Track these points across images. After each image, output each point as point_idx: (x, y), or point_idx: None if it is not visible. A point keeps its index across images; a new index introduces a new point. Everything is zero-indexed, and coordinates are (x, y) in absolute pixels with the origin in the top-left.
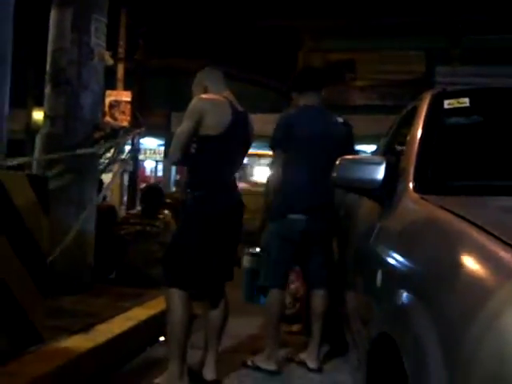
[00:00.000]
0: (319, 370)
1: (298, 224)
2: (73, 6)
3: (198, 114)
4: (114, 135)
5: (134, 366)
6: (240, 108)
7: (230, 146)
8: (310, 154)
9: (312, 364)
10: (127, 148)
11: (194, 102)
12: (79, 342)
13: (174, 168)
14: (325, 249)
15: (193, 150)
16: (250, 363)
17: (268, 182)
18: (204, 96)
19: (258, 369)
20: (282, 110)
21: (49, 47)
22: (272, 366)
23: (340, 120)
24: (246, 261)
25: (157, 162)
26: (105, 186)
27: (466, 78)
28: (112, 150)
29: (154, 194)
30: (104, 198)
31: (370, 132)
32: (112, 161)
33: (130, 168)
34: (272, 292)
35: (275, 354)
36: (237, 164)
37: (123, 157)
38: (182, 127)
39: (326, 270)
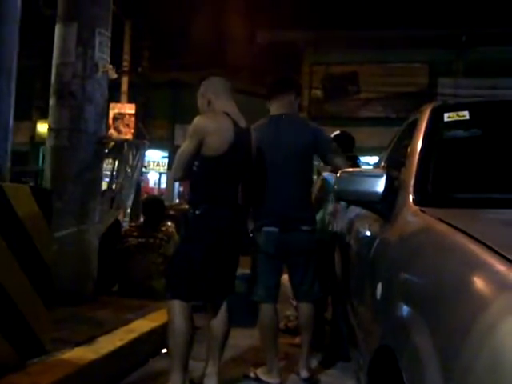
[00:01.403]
0: (311, 380)
1: (271, 236)
2: (77, 20)
3: (199, 135)
4: (118, 149)
5: (136, 377)
6: (243, 124)
7: (232, 165)
8: (278, 166)
9: (303, 374)
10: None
11: (196, 121)
12: (82, 354)
13: None
14: (307, 262)
15: (194, 168)
16: (252, 375)
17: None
18: (206, 115)
19: (260, 381)
20: None
21: (54, 60)
22: (274, 379)
23: (310, 126)
24: None
25: (160, 174)
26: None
27: (469, 90)
28: (116, 163)
29: (155, 205)
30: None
31: (374, 144)
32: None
33: (141, 182)
34: (262, 307)
35: (276, 367)
36: (238, 180)
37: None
38: (184, 147)
39: (310, 283)
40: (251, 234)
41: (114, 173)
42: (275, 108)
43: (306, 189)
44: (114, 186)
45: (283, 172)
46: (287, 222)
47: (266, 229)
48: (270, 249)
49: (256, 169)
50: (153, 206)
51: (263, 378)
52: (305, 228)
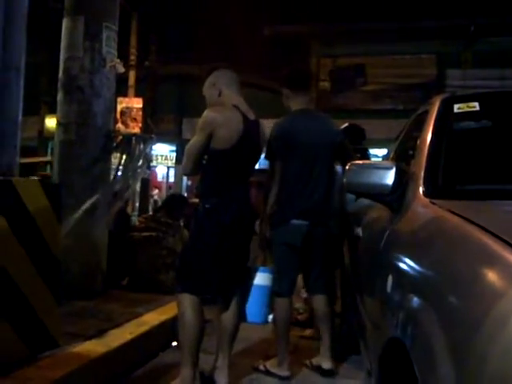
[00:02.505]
0: (333, 371)
1: (300, 229)
2: (84, 14)
3: (209, 128)
4: (127, 143)
5: (146, 371)
6: (252, 116)
7: (242, 157)
8: (308, 160)
9: (326, 365)
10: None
11: (205, 114)
12: (92, 347)
13: None
14: (325, 255)
15: (204, 162)
16: (261, 368)
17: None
18: (216, 108)
19: (269, 374)
20: None
21: (61, 55)
22: (284, 372)
23: (335, 125)
24: None
25: (168, 167)
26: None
27: (478, 81)
28: (124, 157)
29: (178, 200)
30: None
31: (382, 136)
32: (128, 169)
33: (146, 176)
34: (278, 300)
35: (287, 360)
36: (248, 172)
37: (139, 168)
38: (194, 140)
39: (326, 275)
40: (272, 228)
41: (121, 166)
42: (298, 103)
43: (330, 184)
44: (118, 179)
45: (312, 167)
46: (315, 215)
47: (294, 222)
48: (297, 242)
49: (284, 162)
50: (176, 200)
51: (273, 370)
52: (328, 222)
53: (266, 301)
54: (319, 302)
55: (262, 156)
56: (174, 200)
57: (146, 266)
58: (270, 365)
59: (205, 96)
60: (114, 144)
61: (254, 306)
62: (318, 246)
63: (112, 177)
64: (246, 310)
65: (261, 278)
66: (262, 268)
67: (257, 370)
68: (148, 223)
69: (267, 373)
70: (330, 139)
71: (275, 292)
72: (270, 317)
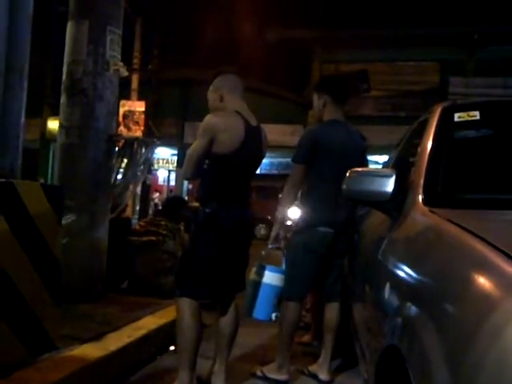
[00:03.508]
0: (330, 383)
1: (326, 237)
2: (89, 18)
3: (210, 133)
4: (129, 147)
5: (144, 374)
6: (253, 122)
7: (242, 163)
8: (337, 169)
9: (324, 376)
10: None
11: (206, 119)
12: (90, 351)
13: None
14: (342, 262)
15: (205, 166)
16: (259, 374)
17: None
18: (217, 114)
19: (267, 379)
20: (296, 121)
21: (65, 58)
22: (283, 376)
23: (359, 133)
24: (252, 273)
25: (169, 171)
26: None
27: (481, 89)
28: (126, 161)
29: (177, 202)
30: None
31: (384, 143)
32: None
33: (147, 180)
34: (289, 304)
35: (287, 365)
36: (249, 178)
37: (140, 171)
38: (195, 146)
39: (339, 283)
40: (296, 233)
41: (121, 170)
42: (335, 113)
43: None
44: (119, 183)
45: (340, 176)
46: (340, 223)
47: (321, 229)
48: (321, 249)
49: (314, 169)
50: (175, 202)
51: (271, 375)
52: (349, 231)
53: (274, 300)
54: (333, 310)
55: (264, 161)
56: (173, 203)
57: (146, 270)
58: (268, 370)
59: (208, 100)
60: (117, 148)
61: (261, 304)
62: (339, 254)
63: (112, 180)
64: (253, 306)
65: (270, 278)
66: (272, 268)
67: (254, 376)
68: (148, 227)
69: (265, 379)
70: (359, 151)
71: (288, 296)
72: (274, 315)
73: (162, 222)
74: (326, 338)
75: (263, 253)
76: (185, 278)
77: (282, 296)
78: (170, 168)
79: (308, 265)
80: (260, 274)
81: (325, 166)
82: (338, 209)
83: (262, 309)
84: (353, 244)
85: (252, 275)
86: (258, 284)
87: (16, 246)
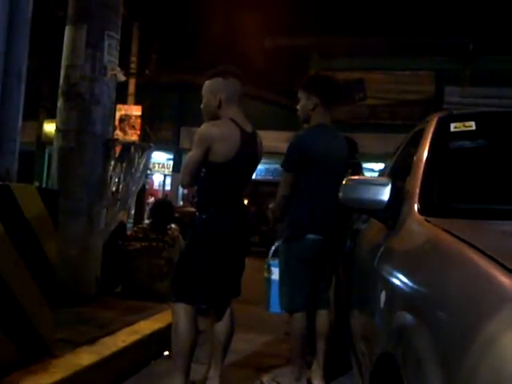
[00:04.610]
0: None
1: (315, 244)
2: (87, 23)
3: (206, 144)
4: (125, 151)
5: (137, 379)
6: (249, 129)
7: (238, 170)
8: (326, 175)
9: (318, 382)
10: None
11: (203, 128)
12: (85, 355)
13: None
14: (332, 270)
15: (202, 174)
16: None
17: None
18: (213, 123)
19: None
20: (292, 127)
21: (63, 62)
22: None
23: (344, 139)
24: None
25: (165, 175)
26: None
27: (476, 99)
28: (124, 166)
29: (164, 208)
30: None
31: (380, 151)
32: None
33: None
34: (295, 316)
35: (304, 375)
36: (244, 184)
37: (139, 176)
38: (191, 155)
39: (329, 290)
40: (284, 241)
41: (121, 175)
42: (322, 117)
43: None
44: (120, 189)
45: (329, 182)
46: (329, 230)
47: (310, 236)
48: (311, 256)
49: (302, 175)
50: (162, 208)
51: None
52: (338, 238)
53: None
54: (323, 317)
55: (259, 167)
56: (160, 212)
57: (141, 275)
58: (286, 382)
59: (202, 96)
60: (117, 155)
61: (274, 299)
62: (328, 261)
63: (112, 185)
64: (268, 301)
65: (277, 273)
66: (277, 263)
67: None
68: (144, 233)
69: None
70: (344, 157)
71: (288, 308)
72: None
73: (151, 236)
74: (318, 345)
75: (273, 248)
76: (180, 283)
77: (284, 309)
78: (166, 172)
79: (301, 273)
80: (269, 271)
81: (312, 172)
82: (326, 215)
83: (276, 303)
84: (347, 252)
85: (264, 273)
86: (268, 281)
87: (11, 249)
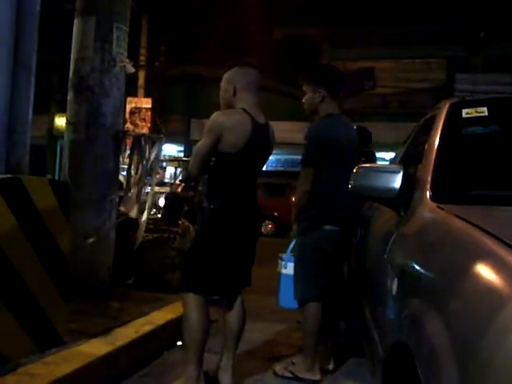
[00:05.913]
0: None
1: (333, 235)
2: (95, 15)
3: (216, 132)
4: (137, 143)
5: (151, 369)
6: (261, 120)
7: (249, 161)
8: (342, 166)
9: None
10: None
11: (213, 117)
12: (98, 345)
13: None
14: (344, 259)
15: (211, 164)
16: (288, 374)
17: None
18: (224, 112)
19: (299, 380)
20: (301, 118)
21: (72, 55)
22: (317, 376)
23: (352, 124)
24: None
25: (176, 168)
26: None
27: (487, 86)
28: (135, 158)
29: (175, 200)
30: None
31: (390, 139)
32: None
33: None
34: (309, 306)
35: (317, 364)
36: (255, 175)
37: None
38: (201, 144)
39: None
40: (300, 233)
41: (133, 167)
42: (332, 107)
43: None
44: (133, 181)
45: (345, 173)
46: (346, 221)
47: (328, 227)
48: (327, 246)
49: (321, 166)
50: (174, 200)
51: (304, 375)
52: (353, 228)
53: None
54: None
55: (270, 158)
56: (172, 205)
57: (153, 266)
58: (298, 371)
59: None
60: (129, 148)
61: (283, 294)
62: (343, 250)
63: (127, 177)
64: (278, 295)
65: (287, 267)
66: (287, 257)
67: (277, 374)
68: (156, 224)
69: (297, 379)
70: (357, 144)
71: (303, 297)
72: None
73: (163, 227)
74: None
75: (291, 234)
76: (191, 273)
77: (299, 298)
78: (177, 165)
79: (318, 264)
80: (282, 265)
81: (330, 163)
82: (345, 206)
83: (285, 298)
84: (360, 240)
85: (278, 267)
86: (279, 275)
87: (24, 241)
